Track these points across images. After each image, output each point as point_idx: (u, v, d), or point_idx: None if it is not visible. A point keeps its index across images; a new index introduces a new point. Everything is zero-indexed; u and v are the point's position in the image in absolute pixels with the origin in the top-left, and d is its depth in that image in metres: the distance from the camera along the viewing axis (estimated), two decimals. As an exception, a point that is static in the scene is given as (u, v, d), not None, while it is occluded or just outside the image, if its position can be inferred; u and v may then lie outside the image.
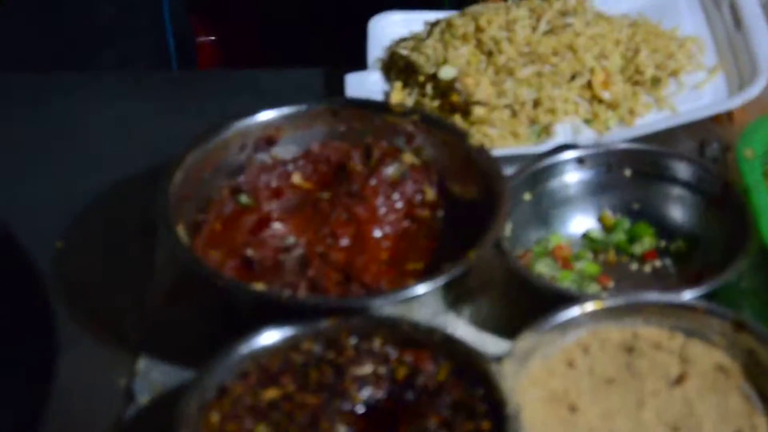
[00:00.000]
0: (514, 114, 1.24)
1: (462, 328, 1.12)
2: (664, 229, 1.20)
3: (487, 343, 1.10)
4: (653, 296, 1.06)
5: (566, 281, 1.15)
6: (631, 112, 1.25)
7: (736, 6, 1.30)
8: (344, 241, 1.14)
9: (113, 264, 1.18)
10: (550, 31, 1.27)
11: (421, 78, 1.27)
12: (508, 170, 1.18)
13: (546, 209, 1.20)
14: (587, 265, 1.17)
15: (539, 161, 1.19)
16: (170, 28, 1.49)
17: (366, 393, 1.00)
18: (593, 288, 1.15)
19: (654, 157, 1.20)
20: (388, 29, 1.35)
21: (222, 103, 1.33)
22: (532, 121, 1.24)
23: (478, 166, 1.17)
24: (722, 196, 1.16)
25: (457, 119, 1.24)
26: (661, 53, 1.28)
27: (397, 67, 1.31)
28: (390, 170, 1.19)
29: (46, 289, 1.08)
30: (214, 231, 1.14)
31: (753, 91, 1.21)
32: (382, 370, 1.01)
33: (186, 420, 0.94)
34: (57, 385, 1.01)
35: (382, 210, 1.17)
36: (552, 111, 1.24)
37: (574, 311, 1.05)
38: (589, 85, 1.25)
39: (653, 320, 1.05)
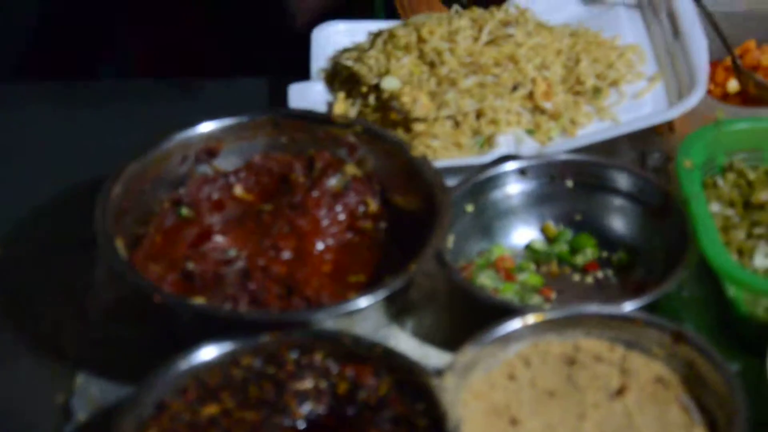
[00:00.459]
0: (456, 125, 1.24)
1: (405, 341, 1.11)
2: (605, 239, 1.20)
3: (430, 355, 1.10)
4: (593, 308, 1.06)
5: (508, 293, 1.15)
6: (573, 123, 1.25)
7: (675, 14, 1.30)
8: (286, 254, 1.14)
9: (53, 276, 1.17)
10: (491, 42, 1.27)
11: (364, 89, 1.27)
12: (451, 181, 1.18)
13: (488, 221, 1.20)
14: (530, 276, 1.17)
15: (481, 173, 1.19)
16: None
17: (307, 408, 0.99)
18: (536, 300, 1.15)
19: (595, 168, 1.20)
20: (331, 39, 1.35)
21: (165, 113, 1.31)
22: (475, 132, 1.24)
23: (421, 178, 1.17)
24: (663, 206, 1.17)
25: (400, 132, 1.23)
26: (602, 63, 1.29)
27: (341, 77, 1.31)
28: (332, 182, 1.19)
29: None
30: (155, 244, 1.13)
31: (691, 101, 1.21)
32: (323, 384, 1.00)
33: (123, 437, 0.93)
34: (-8, 400, 0.99)
35: (325, 222, 1.17)
36: (494, 122, 1.24)
37: (516, 324, 1.05)
38: (530, 95, 1.25)
39: (594, 332, 1.05)
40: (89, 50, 1.48)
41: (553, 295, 1.16)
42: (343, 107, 1.27)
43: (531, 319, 1.05)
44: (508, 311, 1.06)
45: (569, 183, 1.21)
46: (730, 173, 1.19)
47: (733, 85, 1.31)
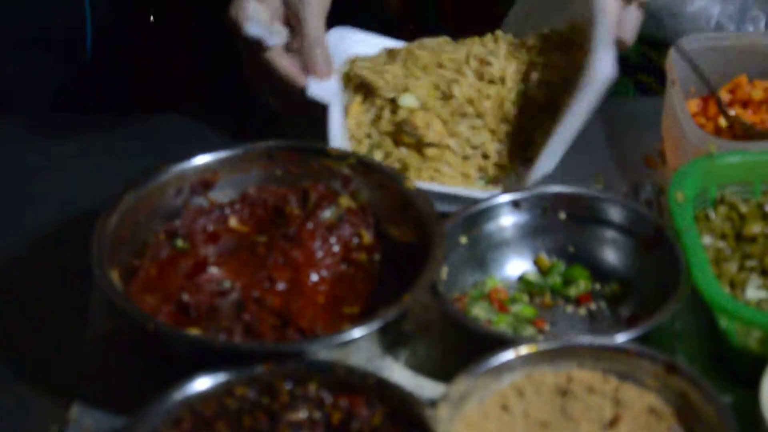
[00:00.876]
0: (465, 158, 1.25)
1: (398, 372, 1.12)
2: (598, 271, 1.21)
3: (424, 386, 1.10)
4: (586, 339, 1.07)
5: (502, 324, 1.15)
6: None
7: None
8: (280, 285, 1.14)
9: (47, 307, 1.17)
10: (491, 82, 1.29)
11: (379, 101, 1.28)
12: (452, 208, 1.18)
13: (482, 252, 1.21)
14: (523, 308, 1.18)
15: (475, 204, 1.20)
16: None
17: (301, 439, 0.99)
18: (529, 331, 1.15)
19: (588, 200, 1.21)
20: (346, 42, 1.35)
21: (159, 146, 1.32)
22: (481, 170, 1.25)
23: (414, 210, 1.18)
24: (655, 239, 1.17)
25: (412, 154, 1.25)
26: None
27: (354, 82, 1.31)
28: (327, 214, 1.20)
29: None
30: (150, 275, 1.13)
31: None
32: (317, 415, 1.01)
33: (117, 468, 0.93)
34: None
35: (319, 253, 1.17)
36: (500, 166, 1.26)
37: (509, 354, 1.05)
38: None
39: (587, 363, 1.06)
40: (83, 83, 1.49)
41: (546, 327, 1.17)
42: (358, 110, 1.28)
43: (524, 350, 1.05)
44: (502, 342, 1.07)
45: (562, 215, 1.22)
46: (722, 206, 1.20)
47: (723, 119, 1.32)
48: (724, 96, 1.36)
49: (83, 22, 1.46)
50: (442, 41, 1.33)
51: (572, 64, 1.28)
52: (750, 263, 1.15)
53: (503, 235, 1.22)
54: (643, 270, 1.18)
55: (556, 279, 1.21)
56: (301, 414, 1.00)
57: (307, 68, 1.28)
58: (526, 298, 1.20)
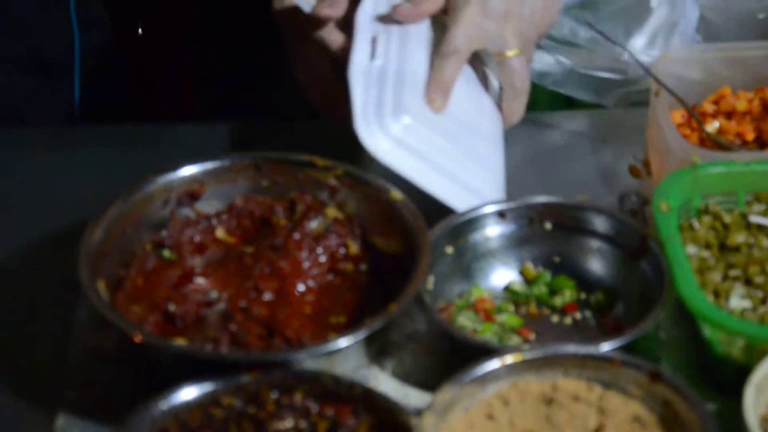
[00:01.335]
0: None
1: (385, 382, 1.12)
2: (584, 281, 1.21)
3: (410, 396, 1.11)
4: (571, 348, 1.07)
5: (488, 334, 1.16)
6: None
7: None
8: (267, 296, 1.14)
9: (34, 320, 1.17)
10: None
11: None
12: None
13: (468, 262, 1.21)
14: (509, 317, 1.18)
15: (461, 215, 1.21)
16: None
17: (287, 448, 1.00)
18: (515, 340, 1.16)
19: (573, 210, 1.22)
20: None
21: (145, 158, 1.33)
22: None
23: (401, 220, 1.18)
24: (640, 249, 1.18)
25: None
26: None
27: None
28: (314, 224, 1.20)
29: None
30: (136, 286, 1.14)
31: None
32: (303, 424, 1.01)
33: (103, 478, 0.93)
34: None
35: (306, 264, 1.18)
36: None
37: (494, 364, 1.06)
38: None
39: (572, 372, 1.06)
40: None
41: (531, 336, 1.17)
42: None
43: (509, 359, 1.06)
44: (487, 351, 1.07)
45: (548, 225, 1.22)
46: (706, 216, 1.21)
47: (707, 130, 1.33)
48: (708, 107, 1.37)
49: (71, 34, 1.47)
50: None
51: None
52: (734, 273, 1.16)
53: (489, 246, 1.22)
54: (629, 279, 1.19)
55: (541, 289, 1.21)
56: (287, 423, 1.00)
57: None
58: (511, 307, 1.20)
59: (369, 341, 1.11)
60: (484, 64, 1.32)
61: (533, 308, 1.20)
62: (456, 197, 1.21)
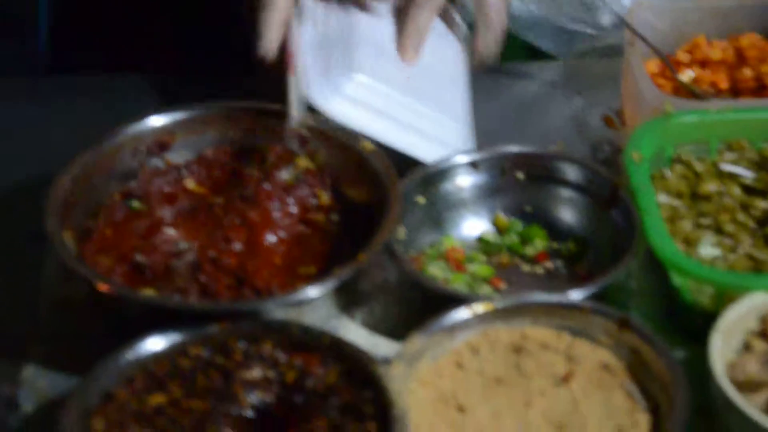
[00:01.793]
0: None
1: (355, 331, 1.12)
2: (556, 230, 1.21)
3: (380, 345, 1.11)
4: (541, 297, 1.07)
5: (458, 283, 1.16)
6: None
7: None
8: (237, 246, 1.14)
9: (1, 272, 1.16)
10: None
11: None
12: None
13: (440, 212, 1.21)
14: (480, 267, 1.18)
15: (432, 165, 1.20)
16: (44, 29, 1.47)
17: (255, 397, 1.00)
18: (485, 290, 1.16)
19: (545, 160, 1.21)
20: None
21: (114, 108, 1.31)
22: None
23: (371, 170, 1.17)
24: (611, 198, 1.18)
25: None
26: None
27: None
28: (284, 174, 1.19)
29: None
30: (105, 237, 1.13)
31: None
32: (272, 374, 1.01)
33: (69, 427, 0.93)
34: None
35: (276, 214, 1.17)
36: None
37: (464, 313, 1.05)
38: None
39: (541, 320, 1.06)
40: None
41: (502, 285, 1.17)
42: None
43: (479, 308, 1.06)
44: (457, 301, 1.07)
45: (520, 175, 1.22)
46: (678, 165, 1.20)
47: (682, 78, 1.33)
48: (683, 56, 1.36)
49: None
50: None
51: None
52: (704, 221, 1.16)
53: (461, 196, 1.22)
54: (600, 229, 1.19)
55: (513, 238, 1.21)
56: (255, 373, 1.00)
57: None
58: (483, 257, 1.20)
59: (339, 291, 1.11)
60: (450, 6, 1.31)
61: (505, 258, 1.20)
62: (422, 149, 1.20)
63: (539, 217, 1.22)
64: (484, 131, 1.32)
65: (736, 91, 1.33)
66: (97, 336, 1.09)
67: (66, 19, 1.47)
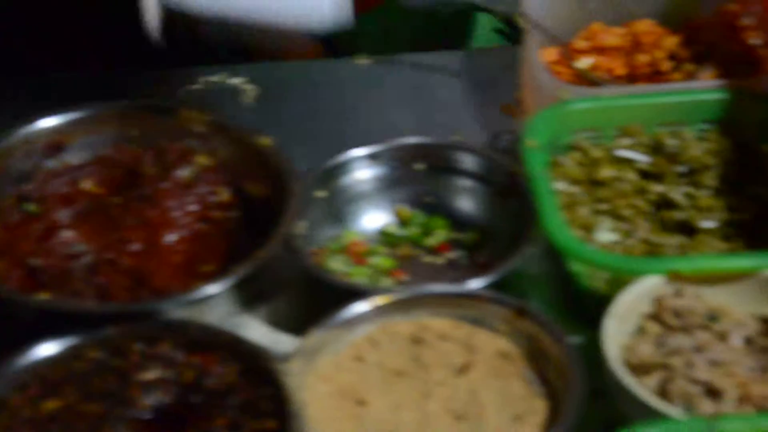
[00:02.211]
0: None
1: (257, 329, 1.12)
2: (457, 221, 1.22)
3: (282, 342, 1.10)
4: (439, 287, 1.08)
5: (360, 277, 1.16)
6: None
7: None
8: (135, 246, 1.13)
9: None
10: None
11: None
12: None
13: (340, 206, 1.21)
14: (381, 260, 1.18)
15: (331, 159, 1.20)
16: None
17: (152, 398, 0.99)
18: (387, 282, 1.16)
19: (444, 150, 1.22)
20: None
21: (6, 110, 1.29)
22: None
23: (271, 166, 1.17)
24: (510, 186, 1.19)
25: None
26: None
27: None
28: (183, 172, 1.19)
29: None
30: (-1, 240, 1.12)
31: None
32: (169, 374, 1.00)
33: (-41, 437, 0.91)
34: None
35: (175, 213, 1.16)
36: None
37: (363, 306, 1.06)
38: None
39: (441, 311, 1.07)
40: None
41: (405, 277, 1.17)
42: None
43: (378, 300, 1.06)
44: (357, 294, 1.07)
45: (420, 166, 1.22)
46: (575, 152, 1.21)
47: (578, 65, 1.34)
48: (581, 44, 1.37)
49: None
50: None
51: None
52: (602, 207, 1.17)
53: (361, 188, 1.22)
54: (500, 217, 1.20)
55: (414, 230, 1.21)
56: (152, 374, 1.00)
57: None
58: (386, 250, 1.20)
59: (240, 288, 1.10)
60: None
61: (407, 249, 1.20)
62: (289, 19, 1.17)
63: (441, 208, 1.22)
64: (386, 122, 1.33)
65: (633, 77, 1.34)
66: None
67: None
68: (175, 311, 1.05)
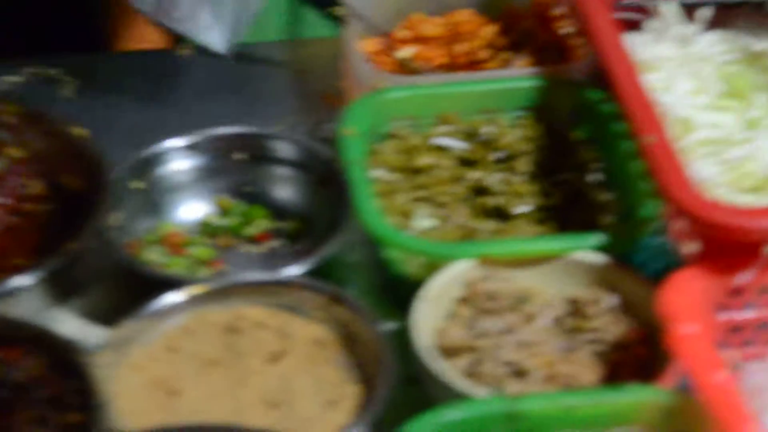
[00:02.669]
0: None
1: (71, 322, 1.10)
2: (278, 210, 1.22)
3: (97, 334, 1.09)
4: (254, 276, 1.07)
5: (177, 267, 1.15)
6: None
7: None
8: (-61, 242, 1.10)
9: None
10: None
11: None
12: None
13: (158, 197, 1.20)
14: (199, 250, 1.18)
15: (145, 149, 1.19)
16: None
17: (-46, 396, 0.96)
18: (205, 272, 1.15)
19: (261, 140, 1.22)
20: None
21: None
22: None
23: (85, 157, 1.15)
24: (328, 175, 1.19)
25: None
26: None
27: None
28: (-7, 165, 1.16)
29: None
30: None
31: None
32: (-29, 371, 0.97)
33: None
34: None
35: (-16, 207, 1.14)
36: None
37: (176, 296, 1.05)
38: None
39: (256, 300, 1.06)
40: None
41: (224, 267, 1.17)
42: None
43: (192, 290, 1.05)
44: (171, 284, 1.06)
45: (238, 156, 1.22)
46: (393, 140, 1.22)
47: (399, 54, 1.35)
48: (403, 33, 1.38)
49: None
50: None
51: None
52: (420, 194, 1.18)
53: (180, 179, 1.21)
54: (319, 206, 1.20)
55: (234, 220, 1.21)
56: (-47, 371, 0.97)
57: None
58: (205, 240, 1.19)
59: (51, 281, 1.08)
60: None
61: (227, 239, 1.20)
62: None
63: (261, 197, 1.22)
64: (209, 113, 1.32)
65: (453, 65, 1.36)
66: None
67: None
68: (-18, 306, 1.02)
